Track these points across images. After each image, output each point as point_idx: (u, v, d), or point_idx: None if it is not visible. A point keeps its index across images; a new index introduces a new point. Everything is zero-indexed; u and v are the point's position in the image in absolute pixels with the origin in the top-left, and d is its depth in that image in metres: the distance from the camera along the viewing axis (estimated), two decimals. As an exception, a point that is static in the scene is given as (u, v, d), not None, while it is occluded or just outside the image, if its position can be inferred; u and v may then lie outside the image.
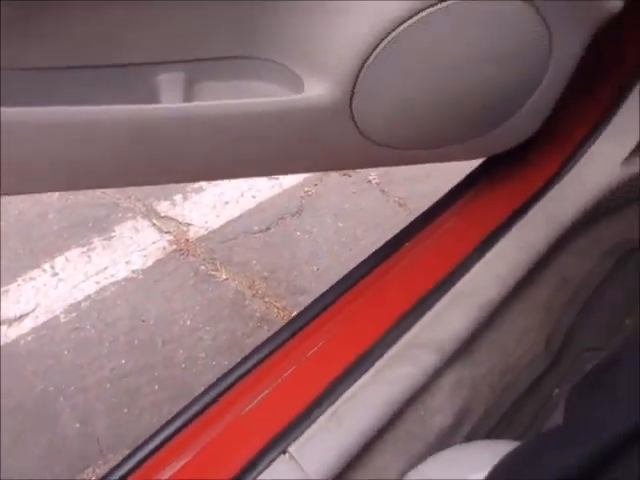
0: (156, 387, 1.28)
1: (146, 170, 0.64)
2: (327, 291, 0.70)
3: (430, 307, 0.67)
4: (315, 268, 1.59)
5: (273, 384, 0.63)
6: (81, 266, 1.55)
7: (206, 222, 1.75)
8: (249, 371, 0.66)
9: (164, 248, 1.64)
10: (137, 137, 0.56)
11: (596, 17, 0.55)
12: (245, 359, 0.66)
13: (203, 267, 1.59)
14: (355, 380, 0.60)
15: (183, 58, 0.57)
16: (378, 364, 0.62)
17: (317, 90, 0.57)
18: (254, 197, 1.84)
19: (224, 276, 1.56)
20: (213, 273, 1.57)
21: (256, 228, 1.73)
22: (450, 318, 0.67)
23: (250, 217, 1.78)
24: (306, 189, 1.85)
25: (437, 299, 0.68)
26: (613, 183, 0.82)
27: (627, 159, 0.82)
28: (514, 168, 0.87)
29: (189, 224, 1.73)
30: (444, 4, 0.53)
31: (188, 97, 0.58)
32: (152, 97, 0.57)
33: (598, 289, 0.94)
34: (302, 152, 0.65)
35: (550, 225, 0.79)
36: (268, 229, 1.73)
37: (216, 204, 1.81)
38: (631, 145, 0.81)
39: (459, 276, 0.71)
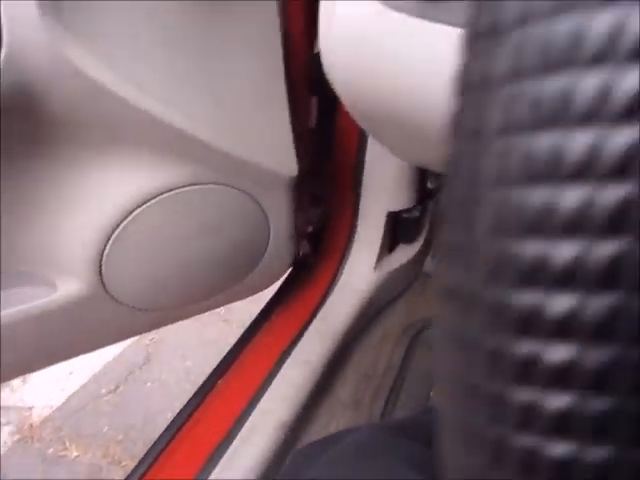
0: None
1: None
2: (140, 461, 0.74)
3: (228, 446, 0.73)
4: (169, 415, 1.58)
5: None
6: None
7: (50, 399, 1.68)
8: None
9: (5, 442, 1.54)
10: None
11: (284, 184, 0.69)
12: None
13: (51, 450, 1.51)
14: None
15: None
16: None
17: (68, 286, 0.65)
18: (100, 356, 1.81)
19: (75, 453, 1.49)
20: (63, 453, 1.50)
21: (104, 391, 1.70)
22: (246, 450, 0.73)
23: (97, 381, 1.74)
24: (151, 337, 1.87)
25: (234, 436, 0.75)
26: (371, 287, 0.97)
27: (378, 263, 0.98)
28: (296, 290, 0.99)
29: (31, 407, 1.65)
30: (173, 192, 0.65)
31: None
32: None
33: (401, 372, 1.07)
34: (78, 340, 0.71)
35: (329, 336, 0.90)
36: (117, 388, 1.70)
37: (59, 377, 1.75)
38: (375, 251, 0.97)
39: (254, 405, 0.78)
